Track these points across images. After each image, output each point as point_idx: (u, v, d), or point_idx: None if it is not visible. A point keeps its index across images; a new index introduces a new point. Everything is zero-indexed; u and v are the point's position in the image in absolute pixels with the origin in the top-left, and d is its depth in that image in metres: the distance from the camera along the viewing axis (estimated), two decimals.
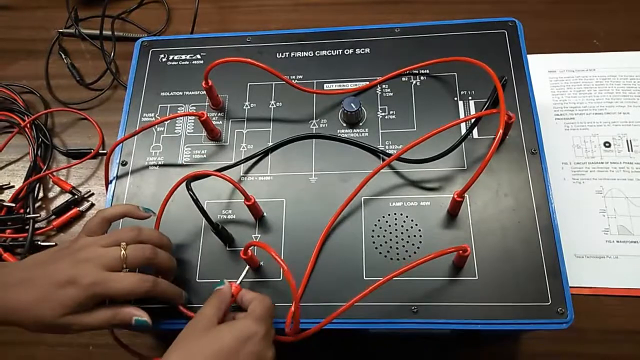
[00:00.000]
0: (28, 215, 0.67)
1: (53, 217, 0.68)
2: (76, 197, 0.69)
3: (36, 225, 0.67)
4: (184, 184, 0.48)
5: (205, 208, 0.51)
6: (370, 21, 0.78)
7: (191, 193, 0.46)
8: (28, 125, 0.72)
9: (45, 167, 0.71)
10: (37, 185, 0.70)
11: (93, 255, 0.43)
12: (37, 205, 0.69)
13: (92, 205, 0.69)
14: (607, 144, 0.66)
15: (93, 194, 0.70)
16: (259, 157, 0.55)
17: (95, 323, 0.44)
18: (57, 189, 0.71)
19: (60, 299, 0.42)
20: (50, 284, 0.42)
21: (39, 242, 0.66)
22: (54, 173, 0.71)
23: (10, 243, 0.66)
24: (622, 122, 0.67)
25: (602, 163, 0.65)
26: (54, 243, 0.67)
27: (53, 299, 0.42)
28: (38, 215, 0.67)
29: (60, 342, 0.62)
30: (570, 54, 0.73)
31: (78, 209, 0.68)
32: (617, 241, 0.61)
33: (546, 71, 0.72)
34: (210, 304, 0.44)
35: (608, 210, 0.63)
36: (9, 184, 0.71)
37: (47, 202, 0.70)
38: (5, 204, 0.67)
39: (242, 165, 0.55)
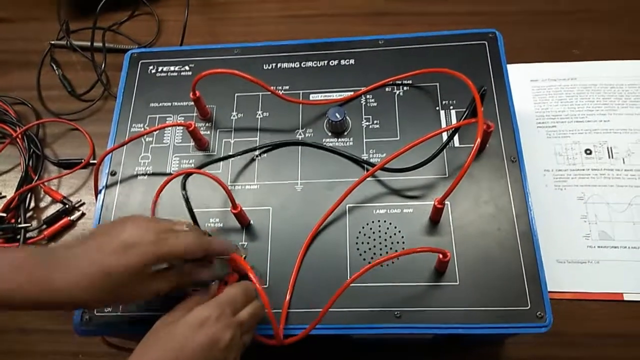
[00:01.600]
0: (19, 225, 0.68)
1: (44, 226, 0.69)
2: (67, 206, 0.70)
3: (27, 235, 0.68)
4: (180, 181, 0.49)
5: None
6: (357, 32, 0.79)
7: (184, 192, 0.47)
8: (20, 135, 0.73)
9: (36, 177, 0.71)
10: (29, 195, 0.71)
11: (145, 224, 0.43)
12: (28, 215, 0.70)
13: (83, 214, 0.70)
14: (588, 151, 0.68)
15: (84, 203, 0.71)
16: (246, 153, 0.56)
17: (162, 286, 0.43)
18: (48, 198, 0.72)
19: (123, 263, 0.40)
20: (110, 250, 0.40)
21: None
22: (45, 183, 0.71)
23: None
24: (602, 129, 0.69)
25: (583, 170, 0.67)
26: None
27: (114, 264, 0.40)
28: (29, 224, 0.68)
29: (51, 351, 0.63)
30: (551, 63, 0.74)
31: (69, 218, 0.69)
32: (598, 246, 0.63)
33: (528, 80, 0.73)
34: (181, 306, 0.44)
35: (589, 216, 0.64)
36: (1, 193, 0.72)
37: (38, 211, 0.71)
38: None
39: (229, 174, 0.56)
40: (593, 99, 0.71)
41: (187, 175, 0.49)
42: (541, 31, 0.77)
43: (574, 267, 0.62)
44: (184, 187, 0.47)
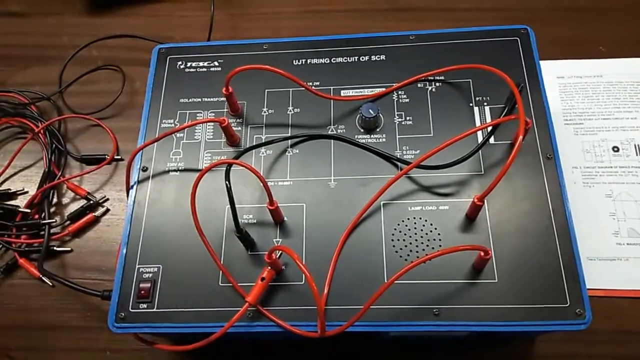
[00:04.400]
0: (44, 221, 0.67)
1: (68, 222, 0.69)
2: (91, 202, 0.69)
3: (52, 231, 0.67)
4: (225, 171, 0.48)
5: (226, 212, 0.52)
6: (380, 28, 0.79)
7: (227, 183, 0.46)
8: (42, 131, 0.73)
9: (59, 173, 0.71)
10: (52, 191, 0.71)
11: None
12: (51, 210, 0.70)
13: (107, 210, 0.70)
14: (615, 149, 0.68)
15: (108, 199, 0.70)
16: (278, 142, 0.56)
17: None
18: (71, 194, 0.71)
19: None
20: None
21: (55, 248, 0.67)
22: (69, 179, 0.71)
23: (26, 249, 0.67)
24: (629, 127, 0.69)
25: (611, 167, 0.67)
26: (69, 249, 0.67)
27: None
28: (54, 220, 0.68)
29: (78, 348, 0.62)
30: (577, 60, 0.74)
31: (93, 214, 0.68)
32: (628, 243, 0.62)
33: (555, 77, 0.73)
34: None
35: (618, 214, 0.64)
36: (23, 189, 0.71)
37: (61, 207, 0.71)
38: (20, 209, 0.68)
39: (261, 170, 0.55)
40: (619, 97, 0.71)
41: (230, 165, 0.48)
42: (566, 28, 0.77)
43: (604, 264, 0.62)
44: (227, 178, 0.47)
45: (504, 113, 0.53)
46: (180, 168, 0.56)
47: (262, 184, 0.48)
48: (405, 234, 0.51)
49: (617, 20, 0.77)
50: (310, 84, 0.59)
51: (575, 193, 0.65)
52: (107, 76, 0.79)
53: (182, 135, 0.58)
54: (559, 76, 0.73)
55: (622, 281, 0.61)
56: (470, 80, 0.58)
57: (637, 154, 0.67)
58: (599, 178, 0.66)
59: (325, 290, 0.49)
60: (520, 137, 0.45)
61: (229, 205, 0.53)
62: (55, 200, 0.71)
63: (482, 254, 0.46)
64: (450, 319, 0.47)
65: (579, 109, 0.71)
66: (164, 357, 0.61)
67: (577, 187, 0.66)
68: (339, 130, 0.57)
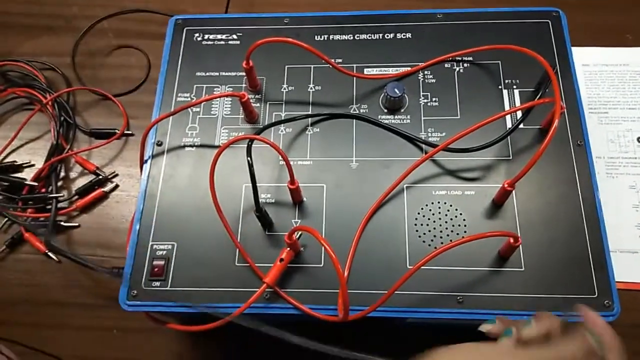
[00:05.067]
0: (51, 195, 0.65)
1: (76, 197, 0.67)
2: (100, 177, 0.67)
3: (59, 206, 0.65)
4: (246, 147, 0.46)
5: (244, 190, 0.50)
6: (403, 6, 0.76)
7: (249, 159, 0.44)
8: (50, 102, 0.70)
9: (68, 146, 0.69)
10: (60, 165, 0.69)
11: None
12: (59, 184, 0.68)
13: (117, 186, 0.68)
14: None
15: (117, 175, 0.68)
16: (299, 119, 0.55)
17: None
18: (79, 168, 0.69)
19: None
20: None
21: (62, 223, 0.65)
22: (78, 153, 0.69)
23: (32, 222, 0.65)
24: None
25: (636, 158, 0.65)
26: (77, 224, 0.65)
27: None
28: (62, 194, 0.66)
29: (84, 326, 0.61)
30: (603, 48, 0.72)
31: (102, 189, 0.66)
32: None
33: (580, 64, 0.71)
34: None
35: None
36: (30, 162, 0.69)
37: (68, 182, 0.69)
38: (27, 182, 0.66)
39: (281, 147, 0.53)
40: None
41: (251, 141, 0.46)
42: (593, 14, 0.74)
43: (626, 256, 0.60)
44: (249, 154, 0.45)
45: (539, 95, 0.51)
46: (196, 144, 0.54)
47: (283, 162, 0.46)
48: (429, 219, 0.50)
49: None
50: (333, 60, 0.57)
51: (599, 184, 0.63)
52: (119, 50, 0.76)
53: (198, 109, 0.56)
54: (584, 64, 0.71)
55: None
56: (500, 62, 0.56)
57: None
58: (622, 169, 0.64)
59: (345, 274, 0.47)
60: (556, 121, 0.43)
61: (246, 184, 0.52)
62: (62, 174, 0.69)
63: (512, 240, 0.44)
64: (475, 306, 0.46)
65: (604, 98, 0.69)
66: (170, 338, 0.60)
67: (600, 178, 0.64)
68: (361, 110, 0.55)
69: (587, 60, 0.71)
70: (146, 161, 0.54)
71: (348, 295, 0.42)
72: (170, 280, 0.48)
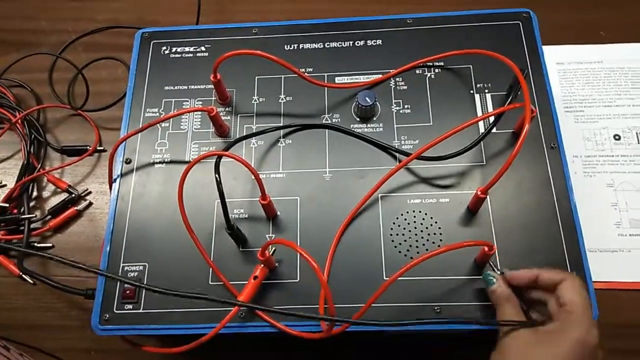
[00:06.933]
0: (23, 216, 0.64)
1: (49, 217, 0.65)
2: (73, 195, 0.66)
3: (32, 226, 0.64)
4: (214, 163, 0.45)
5: (216, 207, 0.50)
6: (373, 12, 0.76)
7: (217, 176, 0.43)
8: (19, 121, 0.69)
9: (39, 165, 0.67)
10: (31, 184, 0.67)
11: None
12: (31, 204, 0.66)
13: (90, 204, 0.66)
14: (616, 137, 0.66)
15: (90, 192, 0.67)
16: (270, 132, 0.54)
17: None
18: (51, 187, 0.68)
19: None
20: None
21: (35, 244, 0.64)
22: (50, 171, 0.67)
23: (5, 245, 0.63)
24: (631, 114, 0.67)
25: (613, 156, 0.65)
26: (50, 245, 0.64)
27: None
28: (34, 215, 0.64)
29: (61, 347, 0.59)
30: (577, 46, 0.72)
31: (75, 208, 0.65)
32: (630, 234, 0.61)
33: (554, 63, 0.71)
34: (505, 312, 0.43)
35: (619, 204, 0.62)
36: (1, 182, 0.68)
37: (41, 201, 0.67)
38: None
39: (252, 161, 0.53)
40: (621, 83, 0.69)
41: (220, 157, 0.45)
42: (566, 12, 0.74)
43: (605, 256, 0.60)
44: (217, 171, 0.44)
45: (508, 101, 0.51)
46: (166, 160, 0.53)
47: (253, 177, 0.45)
48: (404, 229, 0.49)
49: (618, 5, 0.74)
50: (303, 70, 0.56)
51: (576, 183, 0.62)
52: (92, 65, 0.75)
53: (167, 125, 0.55)
54: (558, 62, 0.71)
55: (623, 273, 0.59)
56: (471, 66, 0.55)
57: (639, 142, 0.65)
58: (600, 167, 0.64)
59: (323, 291, 0.46)
60: (527, 127, 0.43)
61: (218, 200, 0.50)
62: (35, 193, 0.68)
63: (486, 249, 0.44)
64: (452, 316, 0.45)
65: (579, 96, 0.68)
66: (150, 357, 0.58)
67: (577, 177, 0.64)
68: (333, 120, 0.54)
69: (561, 58, 0.71)
70: (115, 180, 0.52)
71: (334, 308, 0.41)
72: (142, 303, 0.47)
